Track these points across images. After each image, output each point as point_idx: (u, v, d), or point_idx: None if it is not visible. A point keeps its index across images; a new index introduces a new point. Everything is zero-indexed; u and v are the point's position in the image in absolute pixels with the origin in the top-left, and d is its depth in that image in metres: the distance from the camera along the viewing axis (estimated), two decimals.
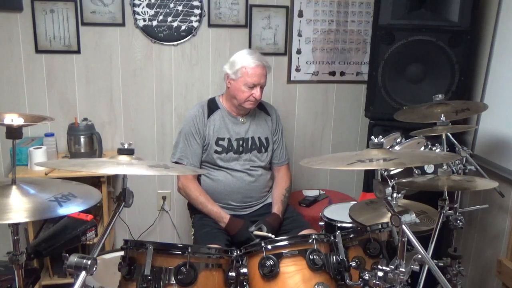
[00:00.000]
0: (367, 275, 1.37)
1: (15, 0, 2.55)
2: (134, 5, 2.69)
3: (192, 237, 2.28)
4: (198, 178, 2.31)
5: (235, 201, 2.27)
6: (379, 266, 1.32)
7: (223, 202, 2.26)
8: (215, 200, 2.24)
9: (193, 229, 2.30)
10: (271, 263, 1.39)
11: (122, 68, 2.77)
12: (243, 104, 2.20)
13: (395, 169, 1.85)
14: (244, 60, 2.16)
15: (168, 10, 2.73)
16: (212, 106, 2.29)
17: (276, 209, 2.25)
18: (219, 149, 2.24)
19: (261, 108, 2.37)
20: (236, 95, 2.19)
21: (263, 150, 2.32)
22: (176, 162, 2.24)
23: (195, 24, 2.77)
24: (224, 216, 2.17)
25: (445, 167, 1.73)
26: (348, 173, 3.16)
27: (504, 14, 2.32)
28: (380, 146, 1.34)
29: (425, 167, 1.88)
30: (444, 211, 1.77)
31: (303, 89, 3.01)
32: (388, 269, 1.30)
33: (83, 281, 1.14)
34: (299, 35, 2.91)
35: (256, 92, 2.16)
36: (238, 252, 1.49)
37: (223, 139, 2.25)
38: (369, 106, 2.56)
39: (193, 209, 2.33)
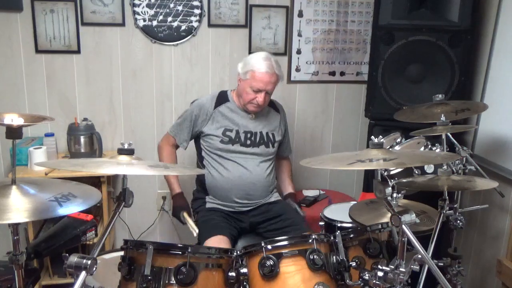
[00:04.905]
0: (367, 275, 1.37)
1: (15, 0, 2.55)
2: (134, 5, 2.69)
3: (196, 236, 2.26)
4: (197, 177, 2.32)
5: (237, 196, 2.25)
6: (379, 266, 1.32)
7: (227, 200, 2.25)
8: (220, 197, 2.26)
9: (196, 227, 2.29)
10: (271, 263, 1.39)
11: (122, 68, 2.77)
12: (247, 105, 2.24)
13: (395, 169, 1.85)
14: (255, 64, 2.18)
15: (168, 10, 2.73)
16: (221, 97, 2.34)
17: (291, 188, 2.50)
18: (225, 139, 2.25)
19: (270, 105, 2.40)
20: (242, 94, 2.24)
21: (271, 146, 2.33)
22: (168, 135, 2.40)
23: (195, 24, 2.77)
24: (174, 189, 2.32)
25: (445, 167, 1.73)
26: (348, 173, 3.16)
27: (504, 14, 2.32)
28: (380, 146, 1.34)
29: (425, 167, 1.88)
30: (444, 211, 1.77)
31: (303, 89, 3.01)
32: (388, 269, 1.31)
33: (83, 281, 1.14)
34: (299, 35, 2.91)
35: (260, 97, 2.18)
36: (238, 252, 1.49)
37: (231, 130, 2.27)
38: (369, 106, 2.56)
39: (197, 207, 2.34)
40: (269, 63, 2.18)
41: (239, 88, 2.26)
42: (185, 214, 2.23)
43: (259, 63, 2.17)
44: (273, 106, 2.42)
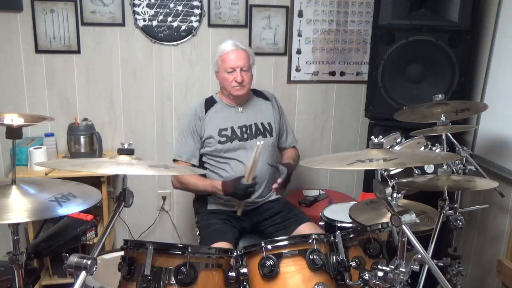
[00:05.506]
0: (367, 275, 1.37)
1: (15, 0, 2.55)
2: (134, 5, 2.69)
3: (198, 237, 2.25)
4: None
5: None
6: (379, 266, 1.32)
7: (231, 199, 2.24)
8: (224, 198, 2.24)
9: (197, 229, 2.29)
10: (271, 263, 1.39)
11: (122, 68, 2.77)
12: (231, 92, 2.25)
13: (395, 169, 1.85)
14: (222, 49, 2.27)
15: (168, 10, 2.73)
16: (209, 102, 2.35)
17: (287, 161, 2.37)
18: (223, 139, 2.26)
19: (258, 95, 2.43)
20: (223, 84, 2.28)
21: (268, 135, 2.33)
22: (174, 160, 2.30)
23: (195, 24, 2.77)
24: (217, 184, 2.17)
25: (445, 167, 1.73)
26: (348, 173, 3.16)
27: (504, 14, 2.32)
28: (380, 146, 1.34)
29: (425, 167, 1.88)
30: (444, 211, 1.77)
31: (303, 89, 3.01)
32: (388, 269, 1.31)
33: (83, 281, 1.14)
34: (299, 35, 2.91)
35: (237, 75, 2.21)
36: (238, 252, 1.49)
37: (225, 129, 2.27)
38: (369, 106, 2.56)
39: (198, 207, 2.33)
40: (234, 42, 2.28)
41: (220, 81, 2.31)
42: (243, 180, 2.11)
43: (224, 46, 2.27)
44: (261, 95, 2.44)
